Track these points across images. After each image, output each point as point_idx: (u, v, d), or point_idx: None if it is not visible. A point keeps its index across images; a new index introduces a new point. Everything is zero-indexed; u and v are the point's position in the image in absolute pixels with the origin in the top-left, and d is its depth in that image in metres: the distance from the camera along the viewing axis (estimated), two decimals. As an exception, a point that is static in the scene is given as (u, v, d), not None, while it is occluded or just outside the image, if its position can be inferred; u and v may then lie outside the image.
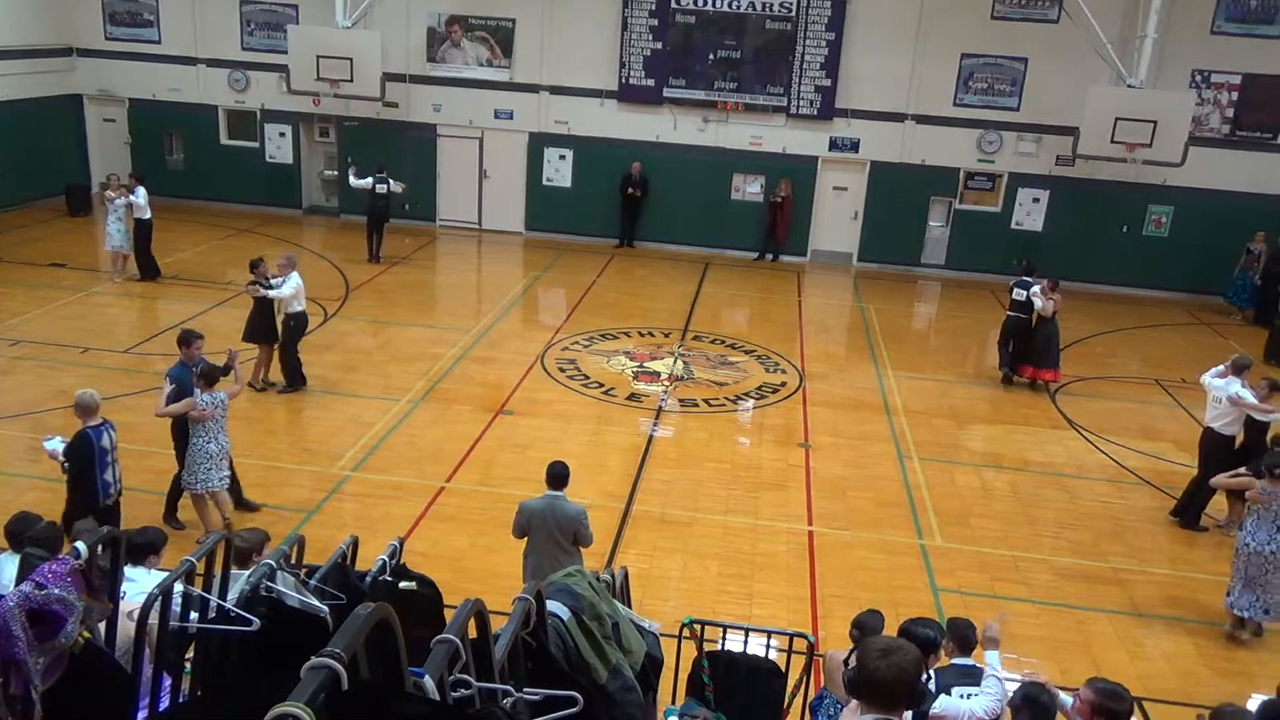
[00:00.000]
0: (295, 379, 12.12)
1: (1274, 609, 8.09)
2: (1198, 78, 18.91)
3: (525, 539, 7.17)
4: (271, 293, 11.65)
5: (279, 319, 11.99)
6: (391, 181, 18.52)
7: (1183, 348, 16.74)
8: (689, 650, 6.09)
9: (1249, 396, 9.79)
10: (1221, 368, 10.19)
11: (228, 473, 8.88)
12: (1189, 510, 10.30)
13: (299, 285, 11.80)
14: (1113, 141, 17.49)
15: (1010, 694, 4.97)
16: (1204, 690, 7.45)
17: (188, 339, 9.09)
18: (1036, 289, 13.72)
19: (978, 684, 5.14)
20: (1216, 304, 19.18)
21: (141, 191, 15.78)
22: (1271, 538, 7.93)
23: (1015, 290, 13.99)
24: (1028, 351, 13.99)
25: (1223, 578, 9.26)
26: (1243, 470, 8.55)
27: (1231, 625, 8.32)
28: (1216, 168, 18.90)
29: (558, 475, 7.07)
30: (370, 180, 18.29)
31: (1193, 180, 18.78)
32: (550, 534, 6.98)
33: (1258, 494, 8.00)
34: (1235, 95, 18.98)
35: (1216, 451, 10.04)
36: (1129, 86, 17.75)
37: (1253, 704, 6.19)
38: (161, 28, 21.19)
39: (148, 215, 15.94)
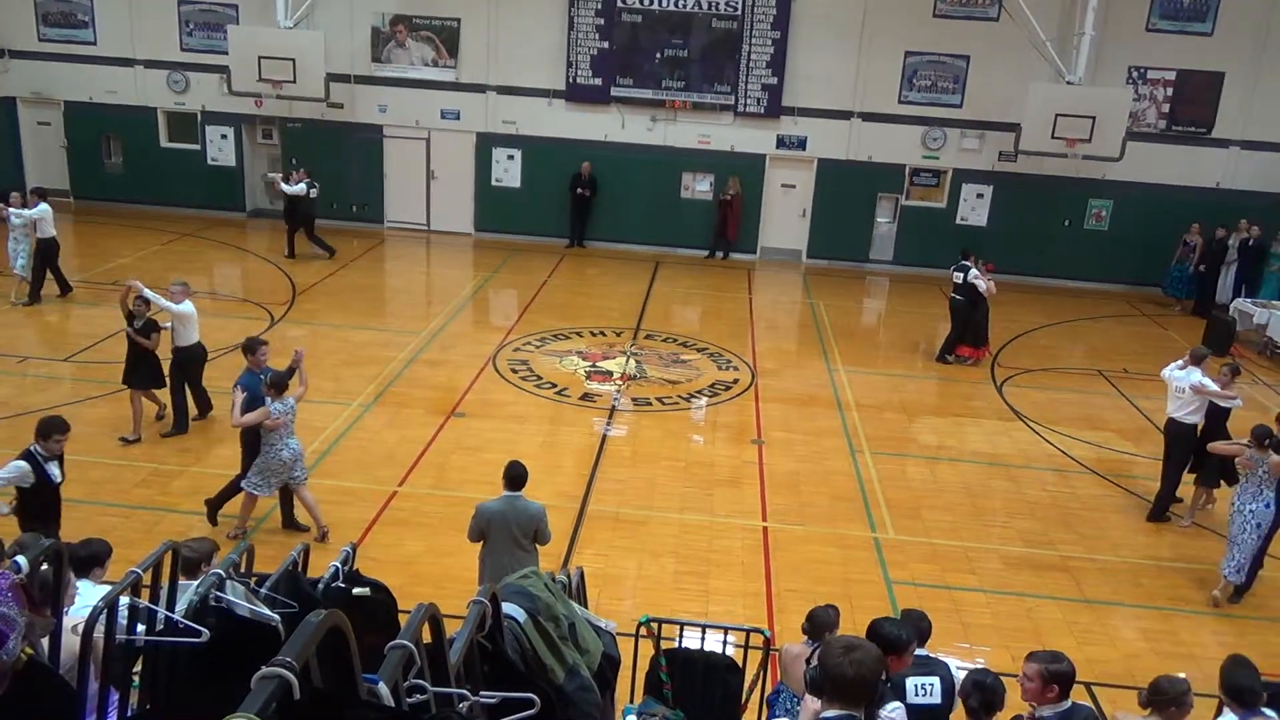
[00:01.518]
0: (185, 420, 10.98)
1: (1243, 569, 8.68)
2: (1134, 74, 19.34)
3: (480, 542, 7.13)
4: (164, 302, 10.53)
5: (163, 357, 10.82)
6: (316, 186, 18.76)
7: (1124, 339, 17.12)
8: (646, 648, 6.09)
9: (1210, 384, 10.08)
10: (1181, 360, 10.45)
11: (300, 474, 8.86)
12: (1157, 498, 10.52)
13: (193, 313, 10.71)
14: (1053, 137, 17.83)
15: (960, 682, 5.04)
16: (1150, 674, 7.59)
17: (253, 346, 8.89)
18: (974, 272, 14.51)
19: (933, 674, 5.19)
20: (1156, 295, 19.63)
21: (43, 208, 14.62)
22: (1254, 498, 8.56)
23: (955, 274, 14.80)
24: (966, 332, 14.91)
25: (1166, 564, 9.51)
26: (1242, 440, 8.94)
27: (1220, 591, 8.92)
28: (1153, 162, 19.34)
29: (516, 476, 7.06)
30: (304, 186, 18.25)
31: (1131, 174, 19.22)
32: (510, 534, 6.97)
33: (1246, 460, 8.63)
34: (1170, 91, 19.43)
35: (1181, 441, 10.31)
36: (1068, 83, 18.10)
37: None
38: (97, 28, 20.72)
39: (51, 234, 14.75)
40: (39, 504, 7.17)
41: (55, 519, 7.27)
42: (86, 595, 5.09)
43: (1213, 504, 10.52)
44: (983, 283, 14.46)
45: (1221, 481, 10.18)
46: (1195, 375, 10.12)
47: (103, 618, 3.48)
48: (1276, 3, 18.77)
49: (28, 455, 7.17)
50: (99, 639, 3.53)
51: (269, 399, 8.45)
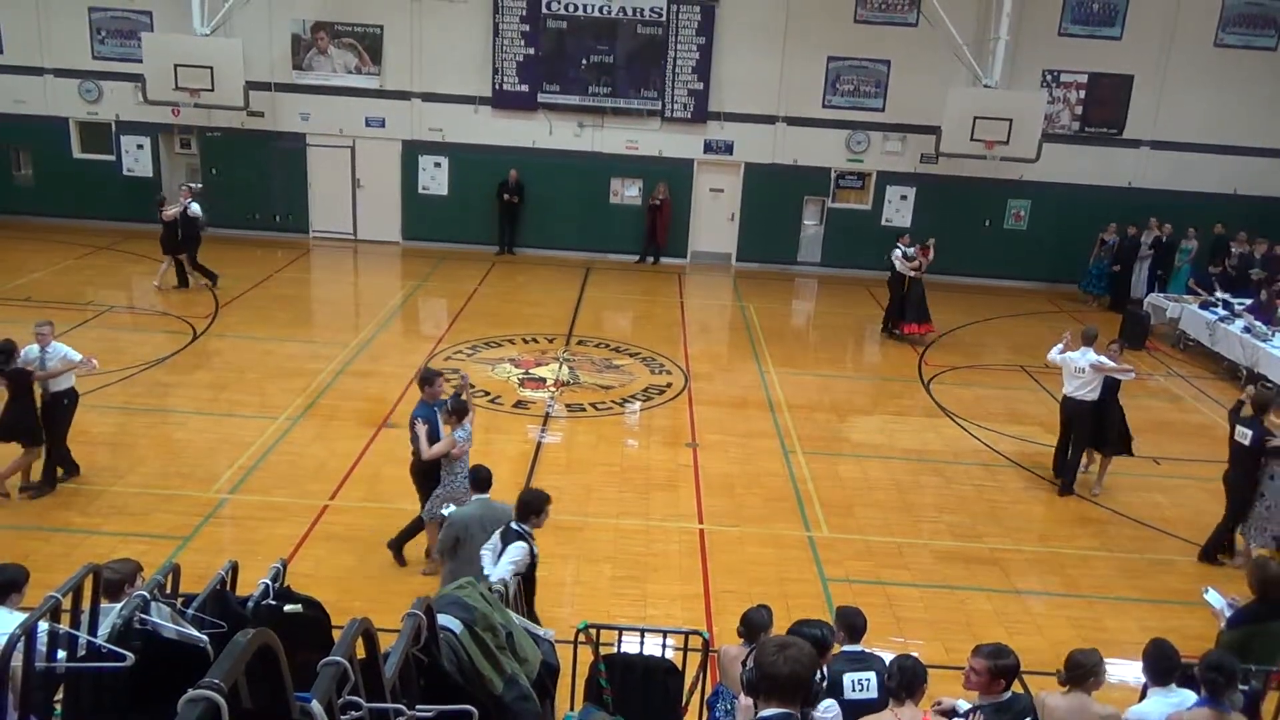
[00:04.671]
0: (53, 479, 9.63)
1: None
2: (1048, 77, 19.90)
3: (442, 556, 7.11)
4: (68, 353, 9.46)
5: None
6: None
7: (1045, 335, 17.47)
8: (585, 655, 6.07)
9: (1108, 361, 10.66)
10: (1061, 344, 11.15)
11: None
12: (1066, 473, 11.09)
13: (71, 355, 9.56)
14: (972, 139, 18.24)
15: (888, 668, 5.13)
16: (1077, 660, 7.80)
17: (430, 378, 8.62)
18: (896, 253, 16.13)
19: (870, 669, 5.27)
20: (1073, 292, 20.21)
21: None
22: None
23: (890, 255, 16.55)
24: (903, 309, 16.22)
25: (1091, 553, 9.78)
26: None
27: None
28: (1068, 163, 19.94)
29: (485, 479, 7.21)
30: (196, 205, 16.65)
31: (1047, 175, 19.77)
32: (487, 538, 6.92)
33: None
34: (1083, 93, 20.05)
35: (1080, 417, 10.85)
36: (985, 87, 18.54)
37: (1212, 595, 6.75)
38: (3, 37, 20.05)
39: None
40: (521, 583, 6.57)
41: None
42: (3, 623, 4.92)
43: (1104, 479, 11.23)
44: (899, 264, 15.96)
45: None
46: (1091, 355, 10.71)
47: (20, 645, 3.36)
48: (1181, 7, 19.49)
49: (523, 535, 6.58)
50: (17, 667, 3.41)
51: (445, 428, 8.26)
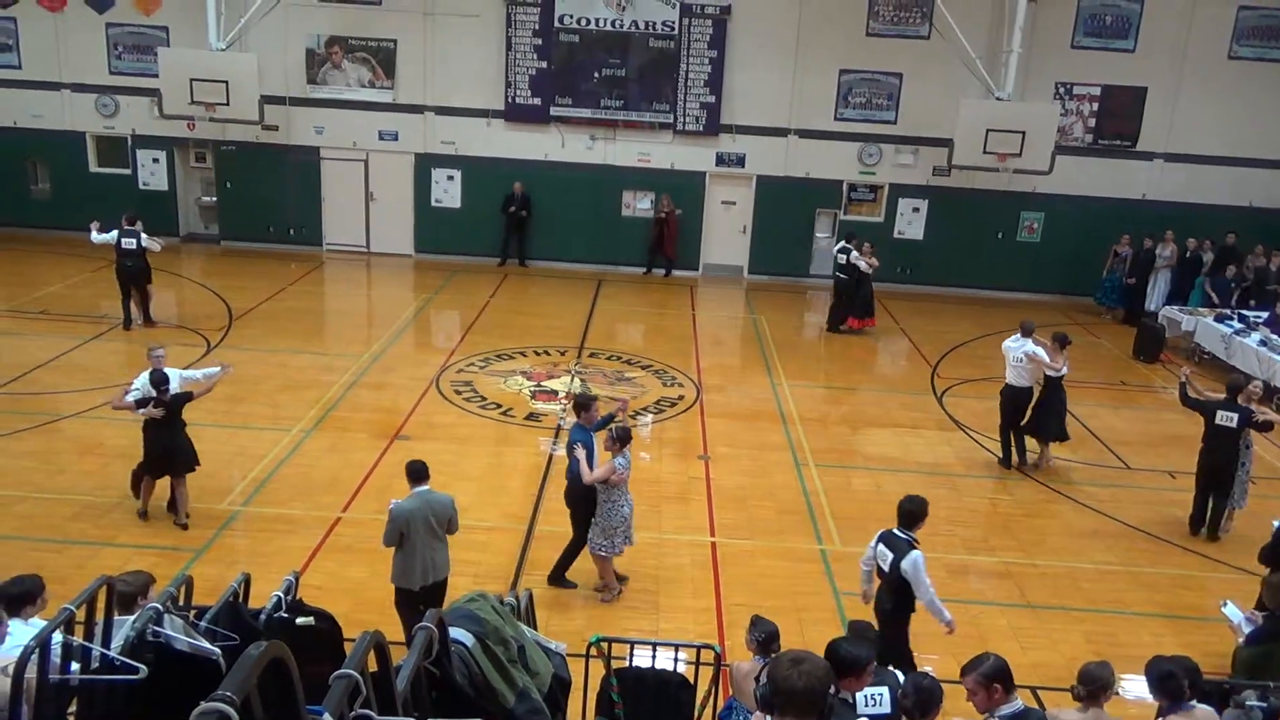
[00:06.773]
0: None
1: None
2: (1061, 90, 19.87)
3: (394, 546, 7.33)
4: (200, 373, 10.00)
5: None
6: (144, 236, 15.39)
7: (1058, 347, 17.45)
8: (597, 669, 6.06)
9: (1042, 353, 11.42)
10: (1017, 335, 11.82)
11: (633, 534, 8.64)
12: (1006, 454, 11.96)
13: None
14: (985, 152, 18.20)
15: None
16: (1092, 675, 7.72)
17: (586, 403, 8.75)
18: (855, 254, 16.87)
19: (883, 684, 5.22)
20: (1087, 304, 20.11)
21: None
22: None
23: (839, 255, 17.28)
24: (852, 305, 17.27)
25: (1105, 567, 9.71)
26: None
27: None
28: (1082, 175, 19.88)
29: (420, 471, 7.38)
30: (114, 234, 15.16)
31: (1060, 187, 19.70)
32: (429, 527, 7.25)
33: None
34: (1096, 106, 20.01)
35: (1015, 402, 11.73)
36: (998, 99, 18.51)
37: (1230, 609, 6.89)
38: (22, 52, 20.25)
39: None
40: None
41: None
42: (18, 635, 4.92)
43: (1051, 460, 11.89)
44: (863, 263, 16.77)
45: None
46: (1028, 345, 11.51)
47: (35, 657, 3.37)
48: (1195, 20, 19.45)
49: (913, 543, 6.99)
50: (31, 679, 3.42)
51: (609, 454, 8.29)
